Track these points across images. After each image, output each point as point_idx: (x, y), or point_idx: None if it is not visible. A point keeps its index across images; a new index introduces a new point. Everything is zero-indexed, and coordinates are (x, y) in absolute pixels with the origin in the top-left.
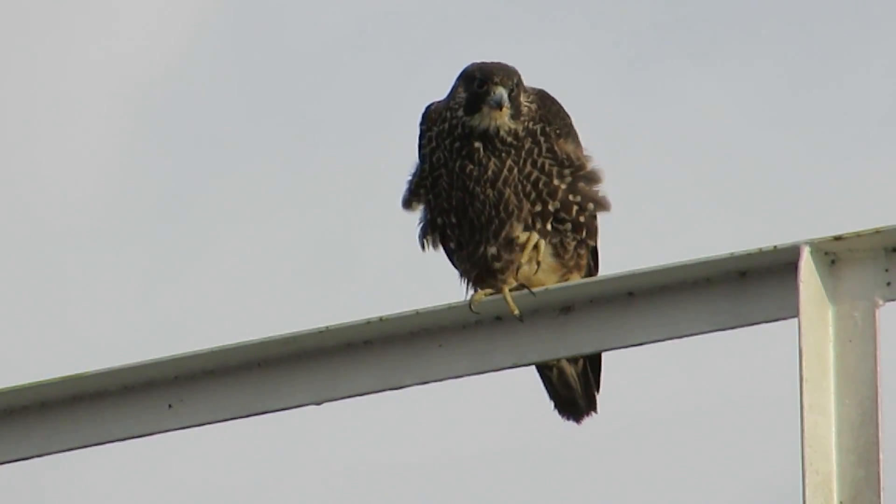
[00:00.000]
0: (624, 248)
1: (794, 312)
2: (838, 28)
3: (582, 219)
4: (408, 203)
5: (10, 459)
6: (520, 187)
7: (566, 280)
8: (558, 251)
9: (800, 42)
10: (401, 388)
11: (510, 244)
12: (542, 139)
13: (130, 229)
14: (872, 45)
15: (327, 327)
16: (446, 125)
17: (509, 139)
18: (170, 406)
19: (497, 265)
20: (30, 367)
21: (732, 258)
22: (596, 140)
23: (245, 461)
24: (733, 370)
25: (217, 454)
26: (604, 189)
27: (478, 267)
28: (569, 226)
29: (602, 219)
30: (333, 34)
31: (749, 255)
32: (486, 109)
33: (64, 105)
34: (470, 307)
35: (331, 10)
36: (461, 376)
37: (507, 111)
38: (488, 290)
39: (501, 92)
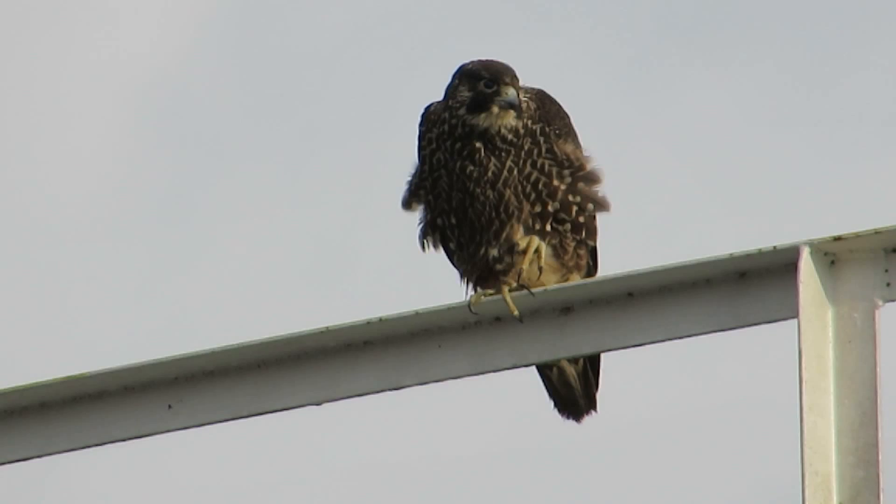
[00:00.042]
0: (624, 249)
1: (794, 313)
2: (838, 29)
3: (581, 219)
4: (407, 204)
5: (11, 460)
6: (520, 188)
7: (566, 280)
8: (558, 252)
9: (800, 43)
10: (400, 388)
11: (511, 248)
12: (541, 139)
13: (131, 230)
14: (873, 47)
15: (327, 328)
16: (446, 126)
17: (510, 136)
18: (170, 406)
19: (499, 267)
20: (30, 368)
21: (732, 259)
22: (596, 140)
23: (245, 461)
24: (733, 371)
25: (217, 454)
26: (603, 189)
27: (479, 268)
28: (568, 226)
29: (602, 219)
30: (334, 35)
31: (749, 256)
32: (496, 109)
33: (65, 106)
34: (469, 308)
35: (331, 11)
36: (461, 377)
37: (514, 112)
38: (488, 291)
39: (514, 93)
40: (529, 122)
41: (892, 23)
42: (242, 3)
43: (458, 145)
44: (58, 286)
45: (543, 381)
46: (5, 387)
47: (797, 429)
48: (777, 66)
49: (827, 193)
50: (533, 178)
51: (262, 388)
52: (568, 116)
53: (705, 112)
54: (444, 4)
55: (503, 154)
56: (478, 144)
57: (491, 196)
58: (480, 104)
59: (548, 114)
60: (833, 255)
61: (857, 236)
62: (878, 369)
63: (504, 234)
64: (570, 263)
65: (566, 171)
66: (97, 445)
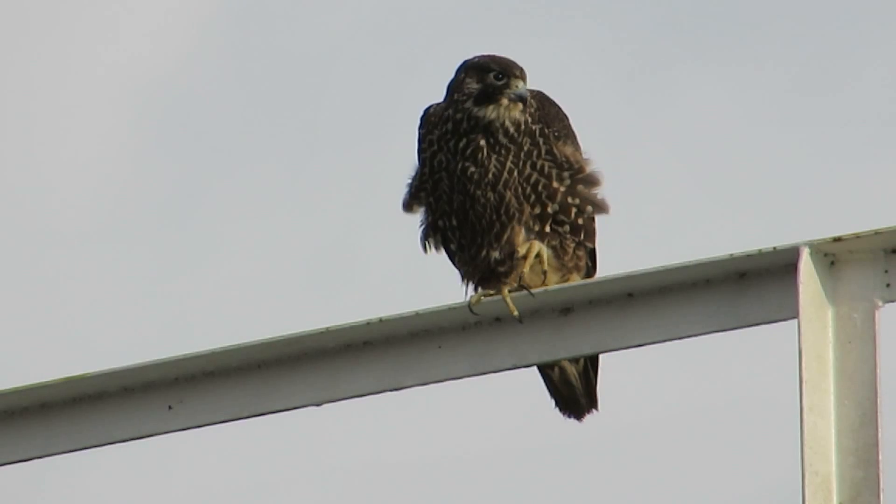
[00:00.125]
0: (623, 249)
1: (794, 314)
2: (840, 31)
3: (580, 221)
4: (408, 206)
5: (11, 461)
6: (520, 190)
7: (566, 281)
8: (558, 252)
9: (800, 44)
10: (400, 389)
11: (513, 253)
12: (540, 141)
13: (131, 231)
14: (874, 48)
15: (327, 328)
16: (449, 125)
17: (512, 130)
18: (170, 407)
19: (501, 269)
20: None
21: (732, 259)
22: (597, 141)
23: (245, 462)
24: (733, 371)
25: (217, 455)
26: (603, 191)
27: (480, 269)
28: (567, 228)
29: (602, 219)
30: (335, 38)
31: (748, 256)
32: (505, 101)
33: (67, 108)
34: (469, 308)
35: (332, 13)
36: (461, 377)
37: (521, 105)
38: (488, 291)
39: (524, 86)
40: (529, 120)
41: (893, 23)
42: (243, 5)
43: (461, 144)
44: (58, 287)
45: (544, 380)
46: (5, 387)
47: (797, 429)
48: (777, 67)
49: (827, 194)
50: (532, 179)
51: (263, 388)
52: (567, 118)
53: (705, 112)
54: (444, 4)
55: (503, 151)
56: (482, 142)
57: (492, 198)
58: (489, 96)
59: (547, 115)
60: (833, 255)
61: (857, 237)
62: (877, 370)
63: (505, 237)
64: (570, 264)
65: (566, 173)
66: (97, 446)
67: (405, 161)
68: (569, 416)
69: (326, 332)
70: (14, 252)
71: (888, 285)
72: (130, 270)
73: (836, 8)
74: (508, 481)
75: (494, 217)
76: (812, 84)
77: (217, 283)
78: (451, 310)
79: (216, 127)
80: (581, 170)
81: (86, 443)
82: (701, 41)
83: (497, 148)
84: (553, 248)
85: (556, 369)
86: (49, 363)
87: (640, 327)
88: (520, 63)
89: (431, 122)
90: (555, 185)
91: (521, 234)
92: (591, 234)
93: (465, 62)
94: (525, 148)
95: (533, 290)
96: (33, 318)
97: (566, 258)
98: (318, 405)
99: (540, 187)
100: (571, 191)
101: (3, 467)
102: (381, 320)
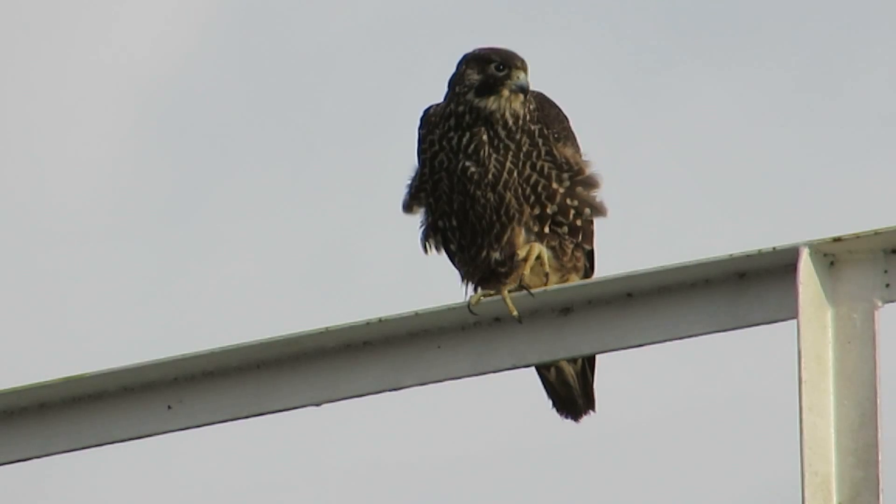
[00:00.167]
0: (623, 249)
1: (793, 314)
2: (838, 30)
3: (578, 223)
4: (408, 207)
5: (11, 460)
6: (520, 191)
7: (565, 281)
8: (557, 253)
9: (800, 44)
10: (400, 389)
11: (514, 254)
12: (540, 141)
13: (132, 231)
14: (874, 48)
15: (327, 328)
16: (451, 120)
17: (511, 122)
18: (169, 407)
19: (501, 270)
20: (30, 368)
21: (731, 259)
22: (596, 140)
23: (245, 462)
24: (732, 371)
25: (216, 455)
26: (601, 194)
27: (481, 270)
28: (565, 229)
29: (602, 219)
30: (336, 38)
31: (748, 257)
32: (506, 93)
33: (68, 108)
34: (469, 308)
35: (333, 14)
36: (460, 377)
37: (522, 97)
38: (487, 292)
39: (525, 77)
40: (528, 118)
41: (893, 23)
42: (245, 5)
43: (464, 140)
44: (58, 286)
45: (542, 380)
46: (5, 387)
47: (797, 429)
48: (777, 67)
49: (827, 194)
50: (532, 180)
51: (262, 388)
52: (567, 119)
53: (705, 113)
54: (444, 5)
55: (503, 150)
56: (484, 137)
57: (492, 199)
58: (491, 87)
59: (547, 117)
60: (832, 255)
61: (857, 237)
62: (877, 370)
63: (505, 238)
64: (570, 265)
65: (565, 175)
66: (97, 446)
67: (405, 161)
68: (566, 417)
69: (326, 332)
70: (14, 252)
71: (888, 285)
72: (130, 270)
73: (836, 8)
74: (507, 481)
75: (494, 218)
76: (812, 84)
77: (217, 283)
78: (451, 310)
79: (217, 127)
80: (580, 172)
81: (85, 443)
82: (701, 42)
83: (497, 144)
84: (552, 248)
85: (553, 370)
86: (48, 363)
87: (639, 327)
88: (521, 55)
89: (431, 123)
90: (554, 186)
91: (521, 235)
92: (588, 237)
93: (466, 54)
94: (524, 148)
95: (533, 290)
96: (33, 318)
97: (565, 259)
98: (317, 405)
99: (539, 188)
100: (570, 192)
101: (3, 467)
102: (380, 320)
